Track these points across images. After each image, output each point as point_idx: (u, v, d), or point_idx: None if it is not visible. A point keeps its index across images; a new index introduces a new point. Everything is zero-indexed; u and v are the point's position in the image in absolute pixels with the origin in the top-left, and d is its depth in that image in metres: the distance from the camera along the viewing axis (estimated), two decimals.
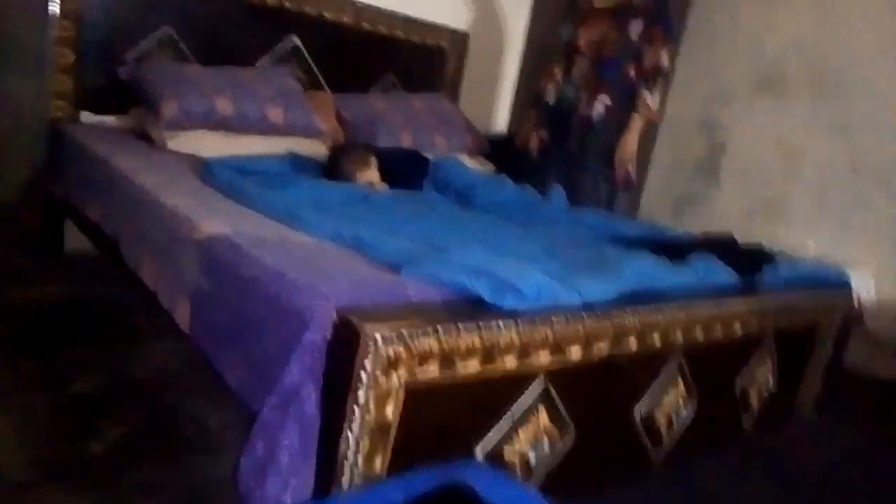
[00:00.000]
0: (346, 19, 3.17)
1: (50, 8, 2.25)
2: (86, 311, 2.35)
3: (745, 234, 2.33)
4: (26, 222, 2.39)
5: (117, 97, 2.64)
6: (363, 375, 1.03)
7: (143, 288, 1.70)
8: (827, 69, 3.36)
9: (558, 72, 2.93)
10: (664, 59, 2.73)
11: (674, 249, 1.85)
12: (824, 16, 3.36)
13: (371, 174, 2.33)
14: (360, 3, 3.22)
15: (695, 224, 3.64)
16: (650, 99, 2.73)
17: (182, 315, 1.48)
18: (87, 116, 2.62)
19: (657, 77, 2.73)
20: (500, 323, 1.18)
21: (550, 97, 2.96)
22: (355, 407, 1.05)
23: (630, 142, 2.76)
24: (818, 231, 3.37)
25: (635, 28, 2.72)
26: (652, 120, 2.87)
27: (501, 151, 3.33)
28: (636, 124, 2.75)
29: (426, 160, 2.58)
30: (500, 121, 4.05)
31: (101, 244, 2.10)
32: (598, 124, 2.80)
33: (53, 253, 2.65)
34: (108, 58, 2.63)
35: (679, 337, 1.59)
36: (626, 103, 2.76)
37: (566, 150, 2.90)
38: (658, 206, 4.04)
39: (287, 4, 3.00)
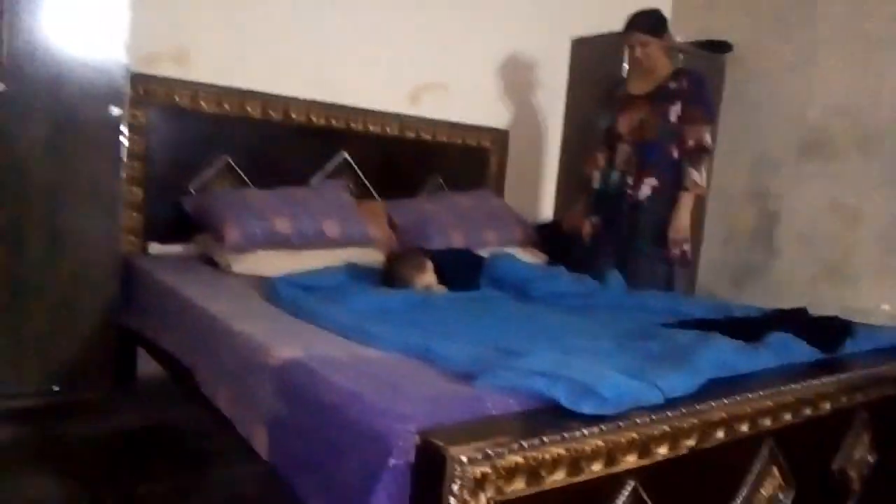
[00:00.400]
0: (390, 131, 3.31)
1: (121, 149, 2.42)
2: (162, 439, 2.39)
3: (811, 301, 2.27)
4: (100, 354, 2.47)
5: (182, 226, 2.78)
6: (452, 500, 1.01)
7: (218, 414, 1.72)
8: (872, 127, 3.33)
9: (602, 158, 2.98)
10: (706, 137, 2.76)
11: (747, 329, 1.80)
12: (862, 76, 3.37)
13: (428, 278, 2.36)
14: (403, 114, 3.36)
15: (757, 294, 3.56)
16: (696, 175, 2.74)
17: (260, 442, 1.49)
18: (155, 248, 2.75)
19: (701, 154, 2.74)
20: (584, 430, 1.15)
21: (597, 183, 2.99)
22: None
23: (682, 218, 2.76)
24: (887, 290, 3.25)
25: (674, 111, 2.77)
26: (701, 196, 2.86)
27: (552, 240, 3.35)
28: (686, 201, 2.76)
29: (480, 258, 2.60)
30: (546, 212, 4.09)
31: (176, 372, 2.15)
32: (646, 205, 2.81)
33: (126, 382, 2.72)
34: (172, 191, 2.80)
35: (768, 423, 1.52)
36: (673, 182, 2.77)
37: (618, 234, 2.90)
38: (716, 280, 3.97)
39: (334, 123, 3.15)
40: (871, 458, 1.93)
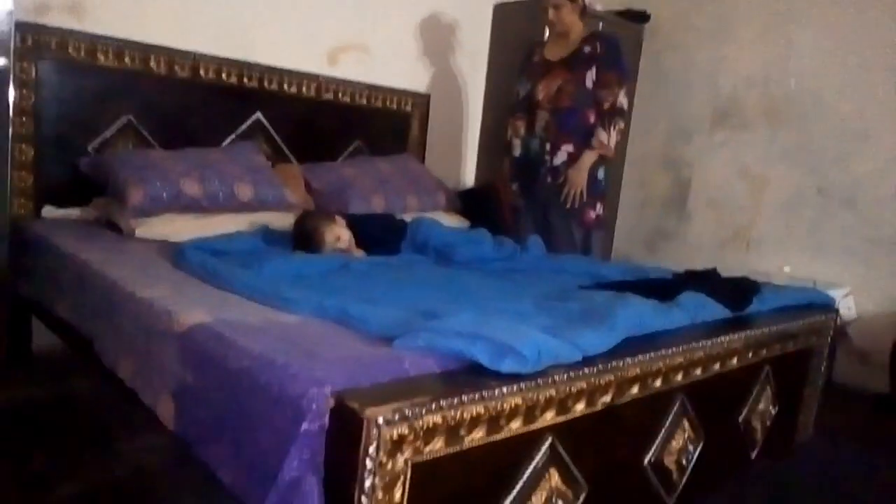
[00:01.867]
0: (307, 91, 3.19)
1: (7, 104, 2.22)
2: (59, 411, 2.25)
3: (720, 264, 2.36)
4: None
5: (79, 189, 2.59)
6: (368, 462, 0.98)
7: (120, 385, 1.62)
8: (780, 99, 3.47)
9: (521, 126, 2.97)
10: (622, 100, 2.79)
11: (661, 289, 1.84)
12: (772, 49, 3.49)
13: (339, 230, 2.29)
14: (321, 75, 3.24)
15: (669, 258, 3.68)
16: (604, 136, 2.79)
17: (166, 412, 1.41)
18: (49, 211, 2.56)
19: (615, 116, 2.79)
20: (504, 389, 1.13)
21: (517, 150, 2.99)
22: (363, 496, 0.99)
23: (577, 172, 2.81)
24: (790, 255, 3.43)
25: (590, 76, 2.78)
26: (605, 156, 2.87)
27: (474, 205, 3.34)
28: (586, 158, 2.81)
29: (403, 223, 2.56)
30: (468, 177, 4.08)
31: (73, 342, 2.01)
32: (562, 171, 2.83)
33: (20, 353, 2.55)
34: (67, 151, 2.60)
35: (680, 378, 1.57)
36: (586, 147, 2.80)
37: (537, 200, 2.92)
38: (631, 244, 4.08)
39: (247, 82, 3.01)
40: (773, 410, 2.04)
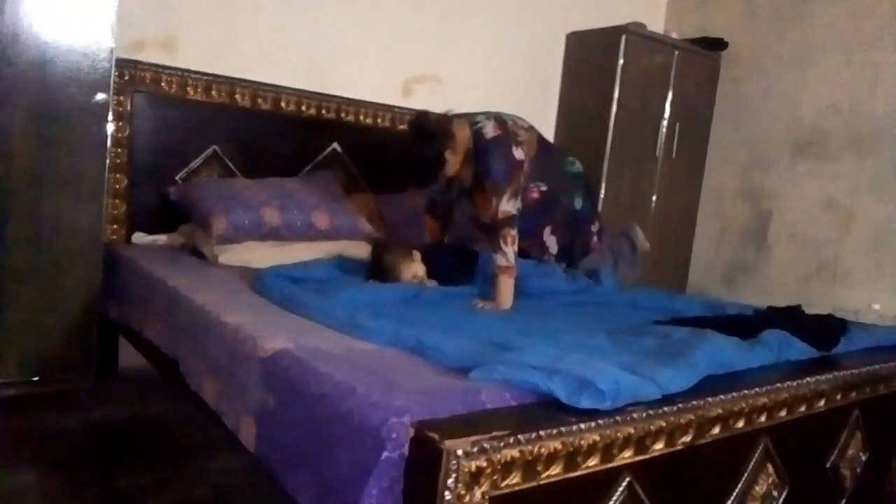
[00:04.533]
0: (382, 122, 3.27)
1: (106, 137, 2.37)
2: (144, 431, 2.34)
3: (803, 300, 2.27)
4: (81, 345, 2.42)
5: (167, 216, 2.73)
6: (447, 494, 0.98)
7: (203, 407, 1.68)
8: (866, 127, 3.33)
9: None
10: (504, 207, 2.25)
11: (742, 326, 1.78)
12: (857, 76, 3.37)
13: (416, 267, 2.31)
14: (395, 106, 3.32)
15: (748, 293, 3.56)
16: (502, 259, 2.22)
17: (247, 434, 1.45)
18: (139, 237, 2.70)
19: (503, 227, 2.24)
20: (581, 425, 1.12)
21: None
22: None
23: (500, 301, 2.18)
24: (880, 292, 3.26)
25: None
26: (510, 274, 2.23)
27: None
28: (502, 285, 2.18)
29: (475, 253, 2.57)
30: None
31: (159, 363, 2.10)
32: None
33: (108, 373, 2.67)
34: (157, 180, 2.75)
35: (763, 420, 1.51)
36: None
37: None
38: (707, 278, 3.97)
39: (325, 114, 3.11)
40: (863, 456, 1.93)
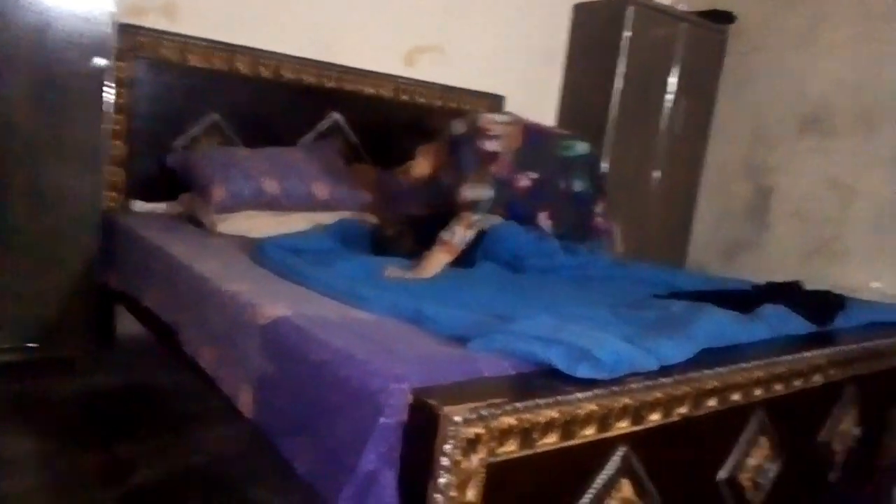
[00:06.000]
0: (384, 92, 3.24)
1: (104, 103, 2.35)
2: (141, 398, 2.36)
3: (803, 277, 2.26)
4: (79, 312, 2.43)
5: (167, 184, 2.71)
6: (444, 459, 0.99)
7: (200, 375, 1.69)
8: (873, 105, 3.30)
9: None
10: (465, 193, 2.25)
11: (741, 301, 1.79)
12: (866, 52, 3.33)
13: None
14: (398, 76, 3.29)
15: (748, 269, 3.56)
16: (447, 234, 2.18)
17: (245, 401, 1.46)
18: (138, 205, 2.69)
19: (462, 211, 2.23)
20: (579, 395, 1.13)
21: None
22: (437, 493, 1.00)
23: (421, 271, 2.11)
24: (880, 270, 3.26)
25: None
26: (451, 252, 2.18)
27: None
28: (434, 258, 2.14)
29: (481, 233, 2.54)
30: None
31: (157, 331, 2.11)
32: None
33: (105, 341, 2.68)
34: (156, 147, 2.73)
35: (759, 393, 1.51)
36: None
37: None
38: (708, 254, 3.97)
39: (326, 83, 3.08)
40: (855, 432, 1.94)
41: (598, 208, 2.62)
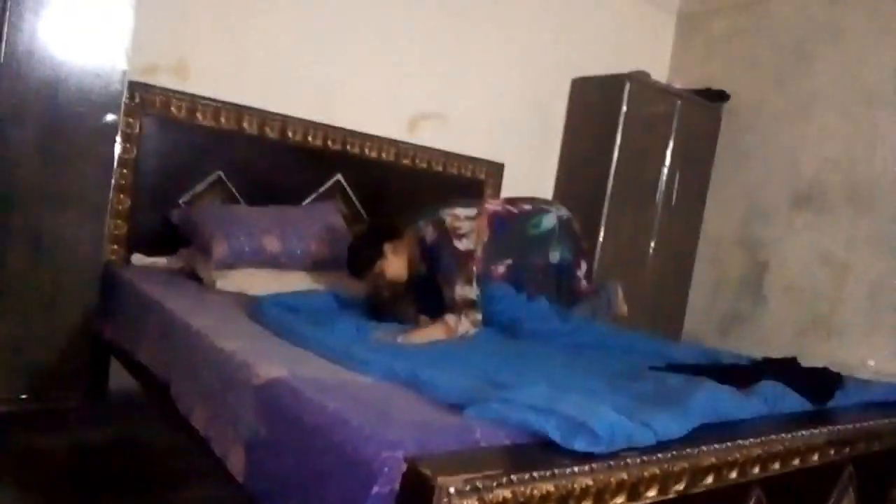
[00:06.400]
0: (386, 156, 3.31)
1: (113, 157, 2.38)
2: (131, 454, 2.31)
3: (798, 352, 2.26)
4: (74, 364, 2.40)
5: (168, 239, 2.73)
6: None
7: (192, 433, 1.66)
8: (864, 183, 3.37)
9: None
10: (460, 292, 2.26)
11: (737, 376, 1.78)
12: (856, 131, 3.42)
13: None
14: (400, 141, 3.36)
15: (743, 343, 3.55)
16: (453, 319, 2.19)
17: (236, 463, 1.43)
18: (138, 258, 2.70)
19: (462, 307, 2.23)
20: (575, 468, 1.11)
21: None
22: None
23: (416, 336, 2.13)
24: (875, 348, 3.26)
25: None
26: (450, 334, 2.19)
27: None
28: (434, 331, 2.17)
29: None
30: None
31: (150, 386, 2.08)
32: None
33: (98, 394, 2.64)
34: (160, 202, 2.76)
35: (756, 472, 1.49)
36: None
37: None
38: (702, 327, 3.97)
39: (331, 145, 3.14)
40: None
41: (580, 272, 2.63)
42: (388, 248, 2.36)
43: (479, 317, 2.21)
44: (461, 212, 2.43)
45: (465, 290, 2.24)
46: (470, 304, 2.22)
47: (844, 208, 3.41)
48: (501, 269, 2.44)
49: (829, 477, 1.78)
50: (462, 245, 2.32)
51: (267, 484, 1.33)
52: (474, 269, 2.30)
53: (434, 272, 2.32)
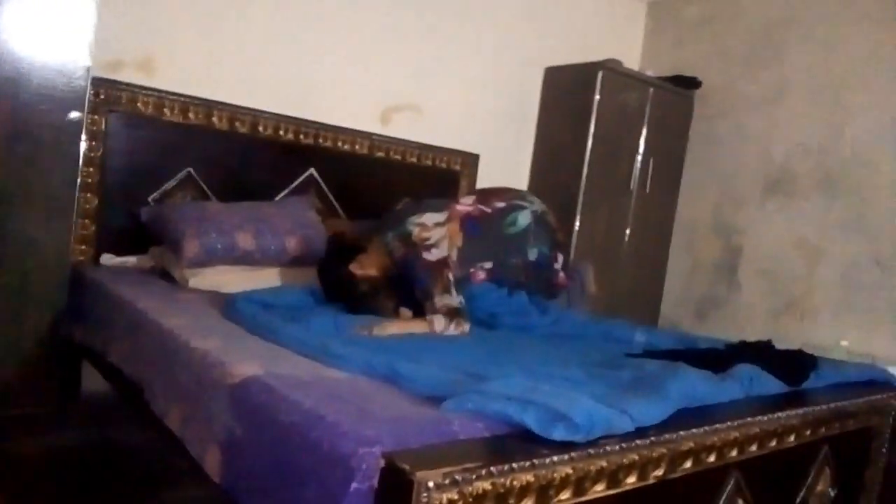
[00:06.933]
0: (360, 149, 3.27)
1: (78, 156, 2.33)
2: (105, 458, 2.28)
3: (773, 335, 2.29)
4: (44, 367, 2.35)
5: (137, 238, 2.68)
6: None
7: (167, 434, 1.63)
8: (835, 168, 3.42)
9: None
10: (445, 302, 2.22)
11: (713, 360, 1.79)
12: (827, 117, 3.46)
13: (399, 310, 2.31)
14: (374, 134, 3.33)
15: (719, 327, 3.59)
16: (439, 324, 2.16)
17: (212, 463, 1.41)
18: (107, 258, 2.65)
19: (453, 315, 2.20)
20: (554, 458, 1.11)
21: None
22: None
23: (392, 327, 2.15)
24: (848, 329, 3.31)
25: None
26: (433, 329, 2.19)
27: None
28: (415, 325, 2.21)
29: None
30: None
31: (123, 388, 2.04)
32: None
33: (70, 397, 2.59)
34: (128, 200, 2.70)
35: (734, 454, 1.51)
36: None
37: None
38: (679, 312, 4.00)
39: (303, 138, 3.10)
40: (832, 493, 1.94)
41: (558, 264, 2.60)
42: (354, 266, 2.28)
43: (466, 327, 2.16)
44: (430, 218, 2.36)
45: (445, 300, 2.19)
46: (454, 313, 2.17)
47: (816, 193, 3.45)
48: (482, 274, 2.38)
49: (805, 457, 1.81)
50: (433, 256, 2.27)
51: (244, 483, 1.31)
52: (450, 276, 2.25)
53: (411, 284, 2.27)
